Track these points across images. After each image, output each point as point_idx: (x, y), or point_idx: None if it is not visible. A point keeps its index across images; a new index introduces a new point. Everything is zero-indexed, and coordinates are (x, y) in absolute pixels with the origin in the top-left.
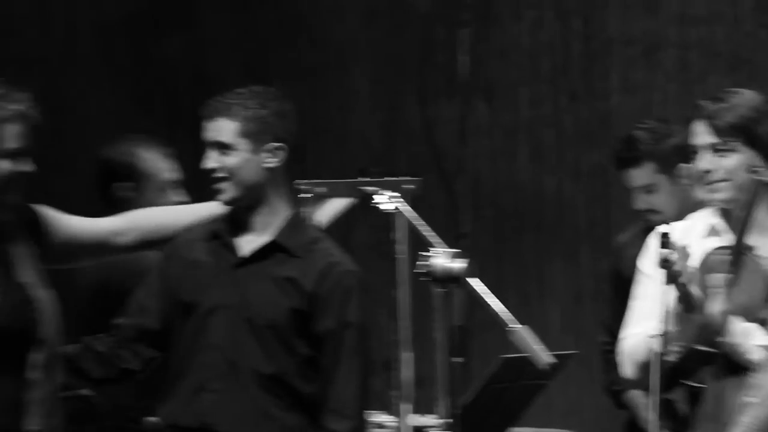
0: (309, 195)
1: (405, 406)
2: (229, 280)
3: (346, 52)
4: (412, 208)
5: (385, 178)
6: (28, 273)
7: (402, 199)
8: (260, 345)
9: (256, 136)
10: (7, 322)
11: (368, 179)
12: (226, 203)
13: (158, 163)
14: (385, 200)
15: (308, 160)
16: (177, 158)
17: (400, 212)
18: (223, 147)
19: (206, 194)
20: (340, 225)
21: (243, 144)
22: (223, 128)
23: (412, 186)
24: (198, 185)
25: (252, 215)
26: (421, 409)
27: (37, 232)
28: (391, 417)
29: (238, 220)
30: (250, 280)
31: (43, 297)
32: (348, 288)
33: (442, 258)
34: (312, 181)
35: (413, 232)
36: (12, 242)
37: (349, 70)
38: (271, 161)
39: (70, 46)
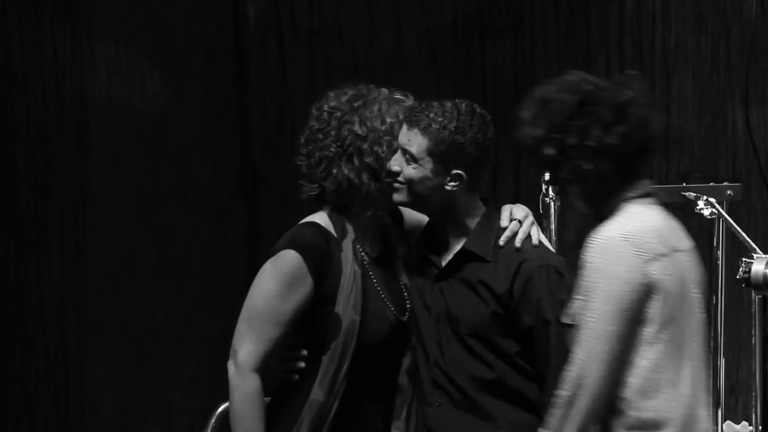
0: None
1: (719, 413)
2: (433, 292)
3: (671, 57)
4: (733, 213)
5: (707, 184)
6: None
7: (722, 205)
8: (471, 353)
9: (442, 159)
10: (395, 325)
11: (690, 185)
12: (397, 204)
13: None
14: (706, 206)
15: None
16: (495, 167)
17: (720, 218)
18: (409, 156)
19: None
20: None
21: (427, 162)
22: (414, 140)
23: (733, 191)
24: (521, 191)
25: (443, 224)
26: (735, 416)
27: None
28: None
29: (435, 233)
30: (451, 291)
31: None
32: (541, 283)
33: (763, 264)
34: None
35: (733, 238)
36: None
37: (674, 75)
38: (451, 185)
39: (396, 51)
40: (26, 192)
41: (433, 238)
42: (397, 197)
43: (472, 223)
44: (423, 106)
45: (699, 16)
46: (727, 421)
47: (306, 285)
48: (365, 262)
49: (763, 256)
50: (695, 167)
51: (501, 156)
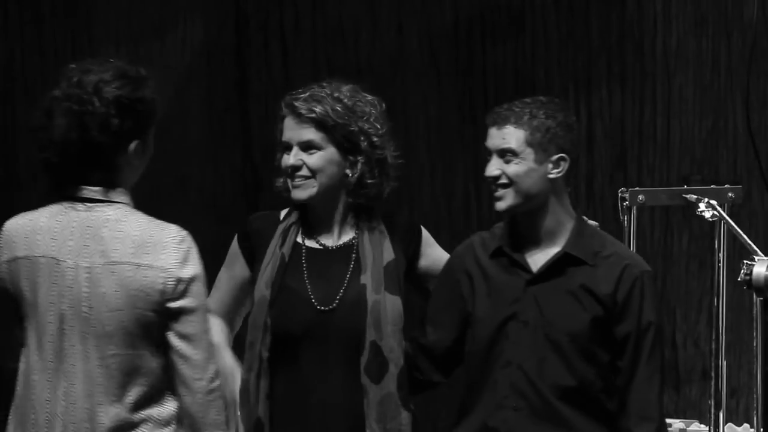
0: (635, 203)
1: (720, 415)
2: (525, 297)
3: (672, 59)
4: (734, 215)
5: (708, 186)
6: (375, 275)
7: (723, 207)
8: (562, 359)
9: (542, 146)
10: (340, 322)
11: (691, 187)
12: (504, 211)
13: None
14: (707, 208)
15: (630, 168)
16: None
17: (722, 220)
18: (509, 154)
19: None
20: (662, 232)
21: (528, 153)
22: (510, 136)
23: (734, 194)
24: None
25: (536, 227)
26: (736, 418)
27: (413, 247)
28: (706, 426)
29: (521, 234)
30: (547, 295)
31: (382, 301)
32: (645, 289)
33: (764, 267)
34: (634, 189)
35: (734, 240)
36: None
37: (675, 77)
38: (554, 172)
39: (398, 53)
40: (28, 195)
41: (520, 242)
42: (503, 203)
43: (568, 225)
44: (505, 106)
45: (700, 18)
46: (729, 424)
47: (239, 264)
48: (303, 249)
49: (765, 258)
50: (696, 170)
51: None
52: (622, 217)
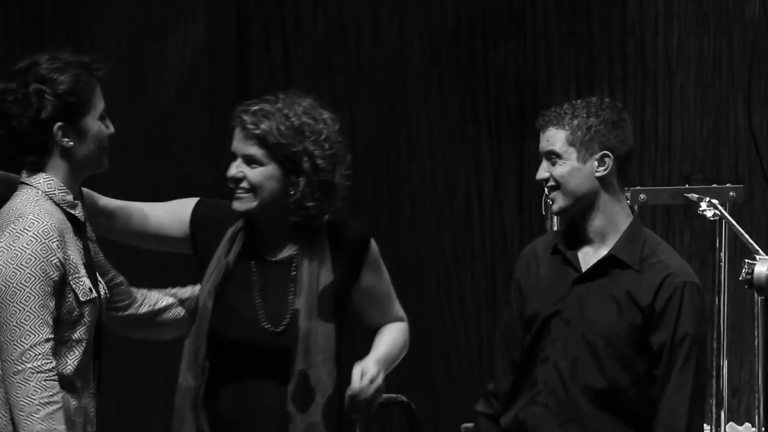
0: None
1: (722, 414)
2: (570, 295)
3: (673, 58)
4: (735, 214)
5: (709, 185)
6: (309, 300)
7: (725, 206)
8: (596, 361)
9: (584, 144)
10: (272, 346)
11: (693, 186)
12: (556, 213)
13: None
14: (709, 207)
15: (632, 167)
16: (498, 168)
17: (723, 219)
18: (553, 156)
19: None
20: (664, 231)
21: (571, 152)
22: (553, 137)
23: (736, 193)
24: (523, 193)
25: (587, 226)
26: (738, 417)
27: (357, 260)
28: (707, 425)
29: (575, 232)
30: (589, 296)
31: (314, 328)
32: (684, 300)
33: (766, 266)
34: (636, 188)
35: (736, 239)
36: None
37: (676, 76)
38: (600, 170)
39: (399, 53)
40: None
41: (576, 241)
42: (555, 206)
43: (621, 227)
44: (551, 110)
45: (701, 17)
46: (730, 423)
47: (177, 224)
48: (250, 263)
49: (766, 257)
50: (698, 169)
51: (504, 157)
52: None
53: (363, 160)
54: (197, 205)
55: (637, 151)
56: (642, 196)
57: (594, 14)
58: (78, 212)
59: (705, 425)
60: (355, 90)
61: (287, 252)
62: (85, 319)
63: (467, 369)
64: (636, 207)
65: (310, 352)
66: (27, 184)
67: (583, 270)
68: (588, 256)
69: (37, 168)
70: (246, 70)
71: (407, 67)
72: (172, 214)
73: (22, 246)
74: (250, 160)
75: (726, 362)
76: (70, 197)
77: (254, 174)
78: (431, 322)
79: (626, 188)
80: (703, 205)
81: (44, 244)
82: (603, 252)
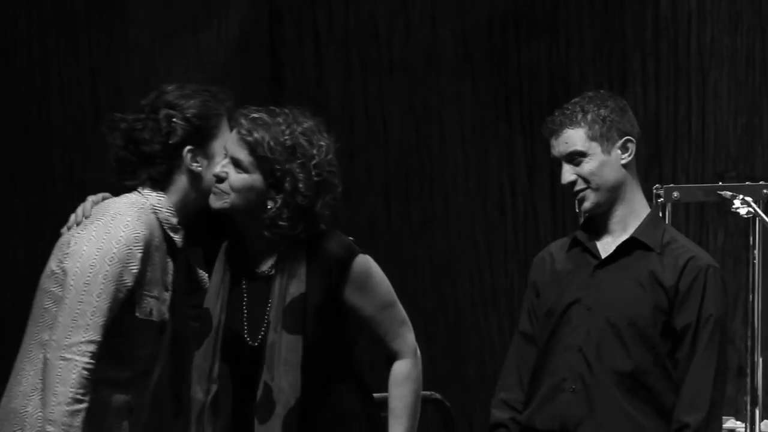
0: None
1: (756, 412)
2: (591, 281)
3: (706, 56)
4: None
5: (743, 183)
6: (276, 312)
7: (759, 204)
8: (620, 343)
9: (604, 135)
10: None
11: (726, 183)
12: (590, 211)
13: None
14: (743, 205)
15: (665, 165)
16: (531, 166)
17: (757, 217)
18: (577, 156)
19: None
20: (697, 229)
21: (595, 147)
22: (571, 138)
23: None
24: (556, 190)
25: (610, 217)
26: None
27: (338, 276)
28: (742, 423)
29: (596, 225)
30: (611, 280)
31: (278, 340)
32: (708, 282)
33: None
34: (669, 186)
35: None
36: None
37: (710, 74)
38: (625, 156)
39: (431, 51)
40: (63, 190)
41: (595, 233)
42: (588, 203)
43: (641, 214)
44: (555, 114)
45: (734, 15)
46: (765, 420)
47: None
48: (241, 278)
49: None
50: (731, 166)
51: (537, 155)
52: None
53: (396, 157)
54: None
55: (671, 149)
56: (675, 193)
57: (627, 12)
58: (178, 238)
59: (739, 423)
60: (388, 88)
61: (269, 263)
62: (135, 336)
63: (501, 366)
64: (669, 205)
65: (273, 364)
66: (139, 192)
67: (603, 257)
68: (608, 245)
69: (158, 186)
70: (278, 68)
71: (440, 65)
72: None
73: (110, 244)
74: (236, 164)
75: (761, 360)
76: (174, 220)
77: (237, 179)
78: (465, 319)
79: (659, 186)
80: (737, 203)
81: (130, 250)
82: (623, 237)
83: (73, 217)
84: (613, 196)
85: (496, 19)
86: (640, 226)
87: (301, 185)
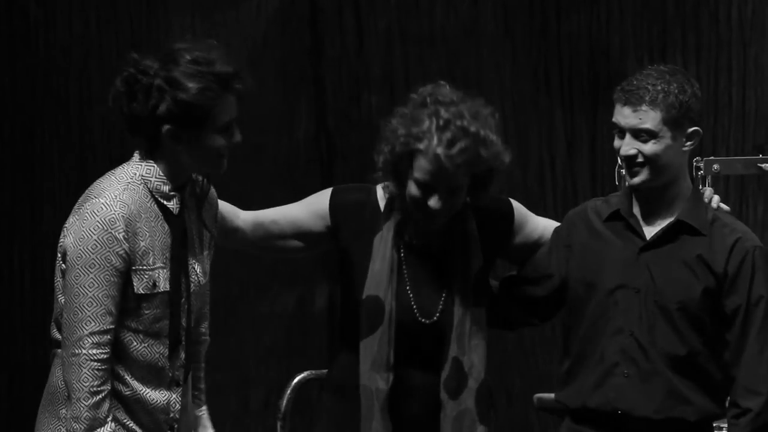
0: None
1: None
2: (637, 263)
3: (747, 28)
4: None
5: None
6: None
7: None
8: (672, 327)
9: (678, 122)
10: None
11: (766, 156)
12: (640, 186)
13: None
14: None
15: (705, 137)
16: (571, 138)
17: None
18: (645, 134)
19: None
20: (737, 202)
21: (666, 131)
22: (646, 116)
23: None
24: (596, 162)
25: (657, 195)
26: None
27: (504, 235)
28: None
29: (639, 201)
30: (659, 263)
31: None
32: (756, 263)
33: None
34: (709, 158)
35: None
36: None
37: (750, 47)
38: (688, 145)
39: (472, 23)
40: (105, 164)
41: (638, 209)
42: (639, 179)
43: (686, 194)
44: (633, 82)
45: None
46: None
47: (315, 222)
48: (402, 252)
49: None
50: None
51: (576, 128)
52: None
53: None
54: (333, 194)
55: (711, 122)
56: (715, 166)
57: None
58: (172, 205)
59: None
60: (428, 60)
61: (436, 240)
62: (143, 311)
63: (539, 338)
64: (709, 177)
65: (463, 339)
66: (131, 162)
67: (648, 238)
68: (652, 226)
69: (148, 154)
70: (319, 40)
71: (480, 36)
72: (309, 211)
73: (89, 230)
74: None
75: None
76: (166, 188)
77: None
78: None
79: (699, 158)
80: None
81: (109, 234)
82: (668, 219)
83: None
84: (665, 178)
85: None
86: (685, 207)
87: None
